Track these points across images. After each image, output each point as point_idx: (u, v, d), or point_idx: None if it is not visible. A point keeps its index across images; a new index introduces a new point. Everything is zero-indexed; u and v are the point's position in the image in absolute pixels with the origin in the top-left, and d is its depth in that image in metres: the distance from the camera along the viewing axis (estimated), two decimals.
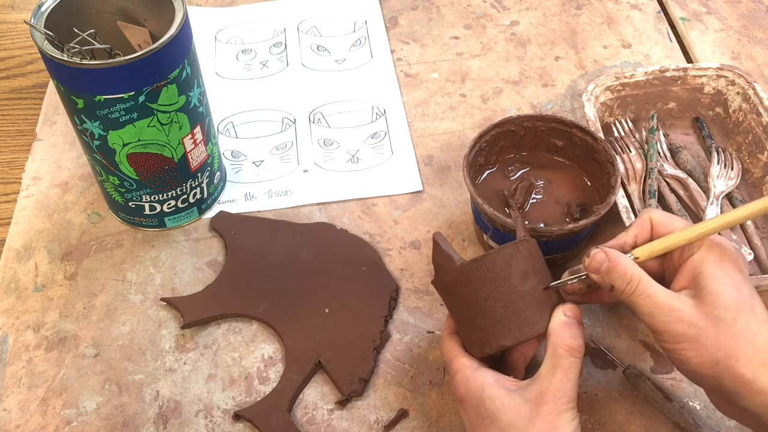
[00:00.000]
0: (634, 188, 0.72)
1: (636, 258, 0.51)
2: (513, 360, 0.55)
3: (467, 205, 0.74)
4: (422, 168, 0.77)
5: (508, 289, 0.52)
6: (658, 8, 0.93)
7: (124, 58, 0.58)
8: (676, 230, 0.51)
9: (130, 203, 0.70)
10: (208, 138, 0.70)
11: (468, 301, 0.53)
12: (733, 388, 0.47)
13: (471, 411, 0.51)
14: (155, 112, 0.62)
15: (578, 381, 0.50)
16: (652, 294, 0.49)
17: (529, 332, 0.52)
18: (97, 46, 0.65)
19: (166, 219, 0.72)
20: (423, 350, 0.64)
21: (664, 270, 0.53)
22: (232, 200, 0.75)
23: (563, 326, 0.50)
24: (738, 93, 0.76)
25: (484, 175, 0.70)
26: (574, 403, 0.49)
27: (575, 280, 0.53)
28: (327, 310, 0.65)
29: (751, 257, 0.67)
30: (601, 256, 0.51)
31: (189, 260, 0.70)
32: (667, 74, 0.77)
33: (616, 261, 0.50)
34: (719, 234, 0.51)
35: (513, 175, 0.70)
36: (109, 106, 0.60)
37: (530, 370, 0.61)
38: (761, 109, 0.72)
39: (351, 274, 0.67)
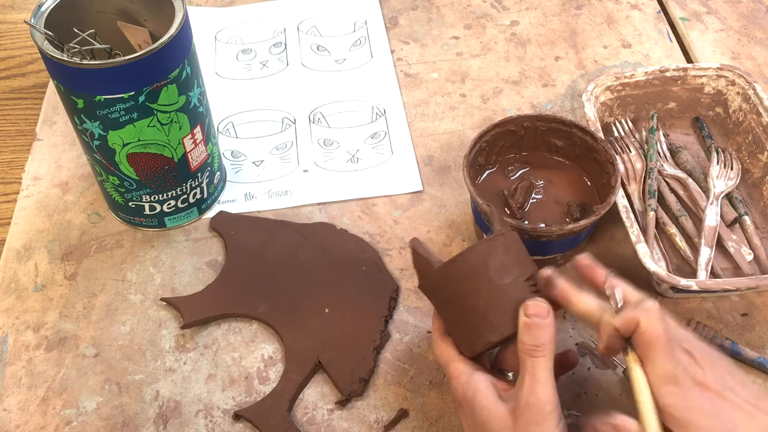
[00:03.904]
0: (634, 188, 0.72)
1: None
2: (508, 357, 0.55)
3: (467, 205, 0.74)
4: (422, 168, 0.77)
5: (486, 286, 0.51)
6: (658, 8, 0.93)
7: (124, 58, 0.58)
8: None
9: (130, 203, 0.70)
10: (208, 138, 0.70)
11: (451, 302, 0.53)
12: None
13: (468, 416, 0.51)
14: (155, 112, 0.62)
15: (552, 381, 0.48)
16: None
17: (514, 326, 0.51)
18: (97, 46, 0.65)
19: (166, 219, 0.72)
20: (423, 350, 0.64)
21: None
22: (232, 200, 0.75)
23: (523, 328, 0.49)
24: (738, 93, 0.76)
25: (484, 175, 0.70)
26: (552, 406, 0.47)
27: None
28: (327, 310, 0.65)
29: (750, 257, 0.67)
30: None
31: (189, 260, 0.70)
32: (667, 74, 0.77)
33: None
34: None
35: (513, 175, 0.70)
36: (109, 106, 0.60)
37: None
38: (761, 109, 0.72)
39: (351, 274, 0.67)
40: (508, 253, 0.52)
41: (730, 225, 0.70)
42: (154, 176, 0.67)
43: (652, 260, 0.62)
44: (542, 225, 0.65)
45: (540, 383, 0.48)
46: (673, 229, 0.69)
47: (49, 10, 0.62)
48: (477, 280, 0.52)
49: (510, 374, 0.54)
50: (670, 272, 0.63)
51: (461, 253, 0.52)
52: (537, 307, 0.50)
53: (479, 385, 0.51)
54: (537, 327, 0.49)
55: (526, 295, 0.51)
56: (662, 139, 0.76)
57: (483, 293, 0.51)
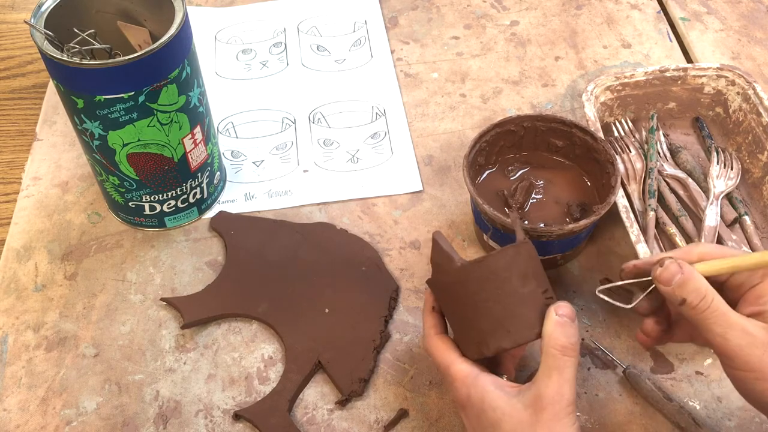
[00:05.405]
0: (634, 188, 0.72)
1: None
2: (503, 361, 0.55)
3: (467, 205, 0.74)
4: (422, 168, 0.77)
5: (508, 292, 0.51)
6: (658, 8, 0.93)
7: (124, 58, 0.58)
8: (737, 255, 0.49)
9: (130, 203, 0.70)
10: (208, 138, 0.70)
11: (466, 302, 0.53)
12: None
13: (473, 418, 0.51)
14: (155, 112, 0.62)
15: (575, 382, 0.49)
16: (726, 312, 0.47)
17: (528, 335, 0.51)
18: (97, 46, 0.65)
19: (166, 219, 0.72)
20: (423, 350, 0.64)
21: None
22: (232, 200, 0.75)
23: (555, 326, 0.49)
24: (738, 93, 0.76)
25: (484, 175, 0.70)
26: (573, 406, 0.48)
27: (640, 290, 0.51)
28: (327, 310, 0.65)
29: None
30: (675, 267, 0.49)
31: (189, 260, 0.70)
32: (667, 74, 0.77)
33: (691, 273, 0.48)
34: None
35: (513, 175, 0.70)
36: (109, 106, 0.60)
37: (524, 370, 0.62)
38: (761, 109, 0.72)
39: (351, 274, 0.67)
40: (530, 263, 0.52)
41: (730, 225, 0.70)
42: (154, 176, 0.67)
43: None
44: (542, 225, 0.65)
45: (568, 383, 0.48)
46: (673, 229, 0.69)
47: (49, 10, 0.62)
48: (500, 284, 0.51)
49: (504, 377, 0.54)
50: None
51: (489, 255, 0.52)
52: (567, 308, 0.50)
53: (487, 386, 0.50)
54: (570, 326, 0.49)
55: (542, 308, 0.51)
56: (662, 139, 0.76)
57: (503, 299, 0.51)
